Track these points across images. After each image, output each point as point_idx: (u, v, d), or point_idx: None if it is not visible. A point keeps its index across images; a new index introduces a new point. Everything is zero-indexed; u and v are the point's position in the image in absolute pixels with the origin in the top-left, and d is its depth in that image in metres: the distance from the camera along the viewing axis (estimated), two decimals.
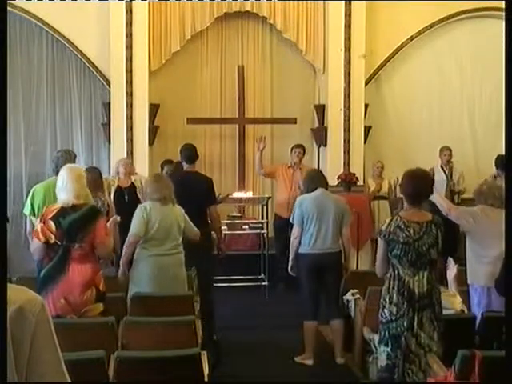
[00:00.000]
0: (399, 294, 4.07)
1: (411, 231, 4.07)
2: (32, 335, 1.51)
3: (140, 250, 5.18)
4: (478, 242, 4.85)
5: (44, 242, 4.35)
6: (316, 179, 5.86)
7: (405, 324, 4.04)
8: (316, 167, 8.95)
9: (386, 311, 4.12)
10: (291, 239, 5.79)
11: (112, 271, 5.61)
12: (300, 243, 5.69)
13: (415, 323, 4.04)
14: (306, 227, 5.66)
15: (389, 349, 4.09)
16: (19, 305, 1.50)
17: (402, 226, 4.08)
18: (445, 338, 4.09)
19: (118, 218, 5.06)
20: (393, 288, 4.09)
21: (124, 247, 5.18)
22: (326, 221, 5.63)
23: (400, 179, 4.40)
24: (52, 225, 4.32)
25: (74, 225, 4.33)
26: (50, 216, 4.35)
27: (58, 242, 4.33)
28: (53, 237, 4.33)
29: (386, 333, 4.10)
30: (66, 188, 4.40)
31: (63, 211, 4.35)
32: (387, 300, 4.11)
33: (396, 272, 4.10)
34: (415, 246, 4.05)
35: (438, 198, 5.02)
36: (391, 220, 4.17)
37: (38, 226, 4.41)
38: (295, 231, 5.73)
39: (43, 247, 4.38)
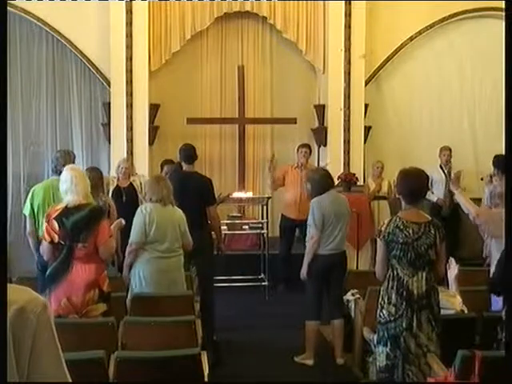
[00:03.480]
0: (398, 295, 4.06)
1: (410, 231, 4.06)
2: (33, 335, 1.51)
3: (140, 251, 5.14)
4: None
5: (49, 242, 4.38)
6: (327, 180, 5.75)
7: (404, 324, 4.04)
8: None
9: (384, 312, 4.11)
10: (310, 242, 5.58)
11: (112, 271, 5.60)
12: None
13: (414, 323, 4.04)
14: (323, 229, 5.56)
15: (388, 349, 4.09)
16: (21, 305, 1.50)
17: (401, 227, 4.07)
18: (445, 338, 4.09)
19: (123, 222, 5.05)
20: (392, 288, 4.09)
21: (126, 252, 5.16)
22: (342, 222, 5.62)
23: (395, 179, 4.37)
24: (55, 224, 4.35)
25: (78, 224, 4.34)
26: (54, 216, 4.37)
27: (62, 242, 4.35)
28: (56, 236, 4.35)
29: (385, 333, 4.10)
30: (75, 188, 4.40)
31: (67, 211, 4.37)
32: (386, 300, 4.11)
33: (395, 272, 4.09)
34: (414, 247, 4.04)
35: (464, 201, 4.88)
36: (390, 221, 4.15)
37: (44, 225, 4.44)
38: (314, 234, 5.54)
39: (50, 247, 4.41)
